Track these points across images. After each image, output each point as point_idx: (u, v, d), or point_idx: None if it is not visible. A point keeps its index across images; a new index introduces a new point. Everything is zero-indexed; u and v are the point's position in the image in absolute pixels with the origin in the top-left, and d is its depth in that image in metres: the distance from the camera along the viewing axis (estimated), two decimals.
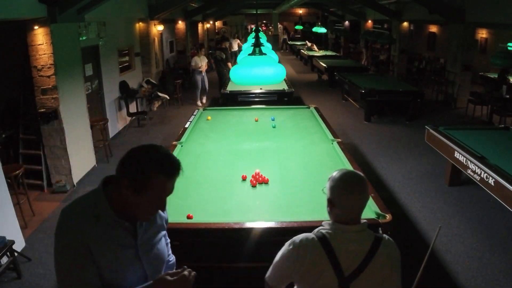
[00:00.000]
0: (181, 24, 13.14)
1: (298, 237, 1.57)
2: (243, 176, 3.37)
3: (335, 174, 1.57)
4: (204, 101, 10.35)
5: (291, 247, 1.56)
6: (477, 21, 8.46)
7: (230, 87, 7.78)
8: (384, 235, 1.61)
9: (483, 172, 3.82)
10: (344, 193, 1.51)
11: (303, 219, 2.65)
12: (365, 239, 1.54)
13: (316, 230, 1.59)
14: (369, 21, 15.89)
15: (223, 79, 9.93)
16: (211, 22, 20.00)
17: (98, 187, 1.40)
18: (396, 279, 1.57)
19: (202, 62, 9.86)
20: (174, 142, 4.35)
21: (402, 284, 1.61)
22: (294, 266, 1.54)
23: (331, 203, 1.55)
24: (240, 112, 5.88)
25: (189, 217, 2.73)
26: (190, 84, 12.48)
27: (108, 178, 1.43)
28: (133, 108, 8.24)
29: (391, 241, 1.60)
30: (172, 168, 1.35)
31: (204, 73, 9.98)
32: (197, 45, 12.48)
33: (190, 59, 13.92)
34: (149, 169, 1.31)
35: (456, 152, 4.40)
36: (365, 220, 1.58)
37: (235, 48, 16.69)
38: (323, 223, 1.61)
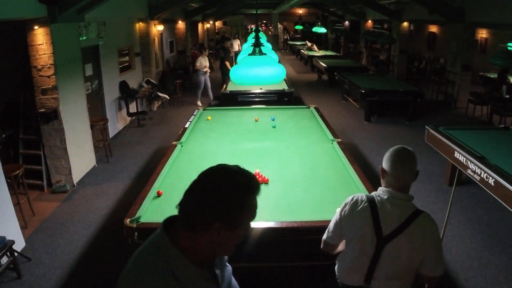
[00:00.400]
0: (181, 24, 13.14)
1: (352, 196, 1.87)
2: None
3: (391, 149, 1.87)
4: (212, 100, 10.29)
5: (345, 202, 1.87)
6: (477, 21, 8.46)
7: (230, 87, 7.78)
8: (424, 211, 1.78)
9: (483, 172, 3.82)
10: (395, 163, 1.78)
11: (303, 219, 2.65)
12: (407, 207, 1.76)
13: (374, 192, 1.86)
14: (369, 21, 15.89)
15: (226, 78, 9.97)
16: (211, 22, 20.01)
17: (161, 237, 1.13)
18: (427, 250, 1.72)
19: (206, 63, 9.89)
20: (174, 142, 4.35)
21: None
22: (346, 220, 1.82)
23: (383, 171, 1.83)
24: (240, 112, 5.88)
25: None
26: (190, 84, 12.48)
27: (167, 222, 1.18)
28: (133, 108, 8.23)
29: (430, 216, 1.78)
30: (257, 182, 1.14)
31: (207, 74, 10.00)
32: (198, 45, 12.47)
33: (190, 59, 13.96)
34: (242, 197, 1.10)
35: (456, 152, 4.40)
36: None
37: (236, 48, 16.71)
38: (378, 188, 1.86)
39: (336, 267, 2.00)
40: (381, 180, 1.85)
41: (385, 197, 1.77)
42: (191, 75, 13.11)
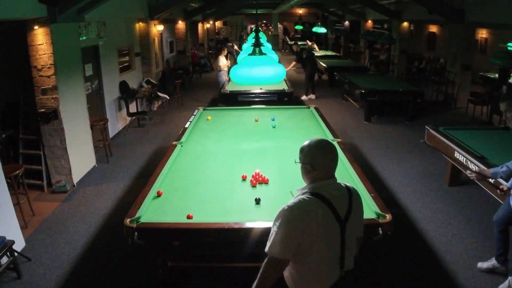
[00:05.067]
0: (181, 24, 13.14)
1: (291, 205, 1.72)
2: (243, 176, 3.36)
3: (307, 143, 1.83)
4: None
5: (292, 213, 1.70)
6: (477, 21, 8.46)
7: (230, 87, 7.78)
8: (348, 184, 1.90)
9: None
10: (323, 156, 1.80)
11: None
12: (341, 186, 1.85)
13: (300, 194, 1.79)
14: (369, 21, 15.89)
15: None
16: (211, 22, 20.01)
17: None
18: (362, 216, 1.93)
19: (227, 61, 9.86)
20: (174, 142, 4.35)
21: None
22: (302, 227, 1.68)
23: (312, 166, 1.79)
24: (240, 112, 5.87)
25: (189, 217, 2.73)
26: (190, 84, 12.48)
27: None
28: (133, 108, 8.24)
29: (354, 187, 1.92)
30: None
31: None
32: (220, 44, 12.30)
33: (190, 59, 13.97)
34: None
35: (456, 152, 4.40)
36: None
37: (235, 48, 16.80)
38: (301, 189, 1.83)
39: (295, 281, 1.83)
40: (306, 176, 1.83)
41: (325, 187, 1.77)
42: (191, 75, 13.11)
